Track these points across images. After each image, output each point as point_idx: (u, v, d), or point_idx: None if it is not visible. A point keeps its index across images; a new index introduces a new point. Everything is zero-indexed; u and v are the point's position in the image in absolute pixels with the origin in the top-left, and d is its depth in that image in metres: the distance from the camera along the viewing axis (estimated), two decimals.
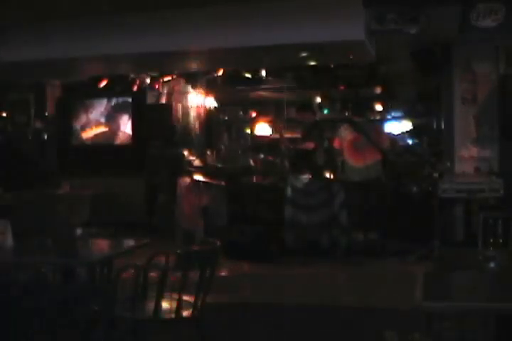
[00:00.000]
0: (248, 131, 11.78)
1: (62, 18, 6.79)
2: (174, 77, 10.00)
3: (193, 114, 10.79)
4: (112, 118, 10.31)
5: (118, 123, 10.30)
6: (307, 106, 10.01)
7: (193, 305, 3.80)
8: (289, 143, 10.36)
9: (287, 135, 11.45)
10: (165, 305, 3.87)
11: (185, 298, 3.75)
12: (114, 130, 10.33)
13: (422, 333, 3.13)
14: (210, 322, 3.97)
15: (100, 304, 4.03)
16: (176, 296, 3.76)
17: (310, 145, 9.02)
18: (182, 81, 10.35)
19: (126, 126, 10.27)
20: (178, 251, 3.99)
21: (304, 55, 7.18)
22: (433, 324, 2.93)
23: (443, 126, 9.03)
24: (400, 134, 10.34)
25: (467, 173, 7.73)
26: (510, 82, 7.68)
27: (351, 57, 7.37)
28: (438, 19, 6.43)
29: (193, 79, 10.33)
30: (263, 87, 10.33)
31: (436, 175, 7.79)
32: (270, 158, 9.72)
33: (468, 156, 7.91)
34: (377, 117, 10.56)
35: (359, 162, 8.22)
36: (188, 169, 9.30)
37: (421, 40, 7.36)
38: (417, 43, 7.63)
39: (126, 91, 9.98)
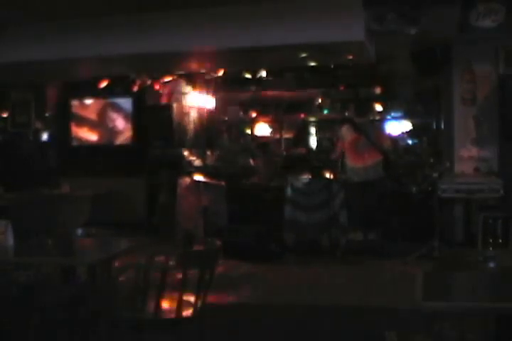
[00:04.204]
0: (248, 131, 11.79)
1: (62, 18, 6.79)
2: (174, 77, 10.00)
3: (193, 114, 10.80)
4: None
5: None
6: (296, 106, 10.01)
7: (193, 305, 3.80)
8: (279, 147, 10.42)
9: (286, 135, 11.48)
10: (165, 305, 3.87)
11: (185, 298, 3.75)
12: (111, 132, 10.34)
13: (422, 333, 3.14)
14: (210, 322, 3.97)
15: (100, 304, 4.04)
16: (176, 296, 3.76)
17: (301, 150, 9.05)
18: (182, 81, 10.35)
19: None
20: (178, 251, 3.99)
21: (304, 55, 7.19)
22: (433, 324, 2.93)
23: (443, 126, 9.04)
24: (400, 134, 10.34)
25: (467, 173, 7.73)
26: (510, 82, 7.69)
27: (351, 57, 7.37)
28: (438, 19, 6.43)
29: (193, 80, 10.33)
30: (263, 87, 10.33)
31: (436, 175, 7.80)
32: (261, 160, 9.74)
33: (468, 156, 7.92)
34: (377, 117, 10.57)
35: (359, 162, 8.22)
36: (188, 169, 9.31)
37: (421, 40, 7.36)
38: (417, 43, 7.63)
39: (127, 91, 9.98)
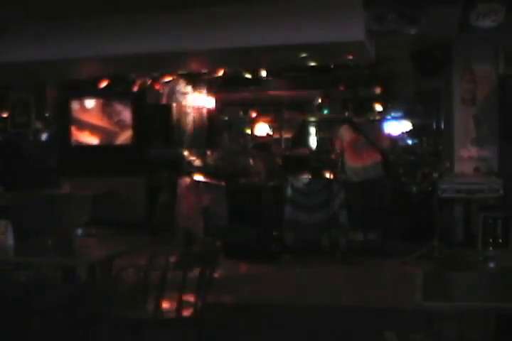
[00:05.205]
0: (248, 131, 11.79)
1: (62, 18, 6.79)
2: (174, 77, 10.00)
3: (193, 114, 10.80)
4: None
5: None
6: (297, 105, 10.01)
7: (193, 305, 3.80)
8: (282, 148, 10.44)
9: (286, 135, 11.48)
10: (165, 305, 3.87)
11: (185, 298, 3.75)
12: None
13: (422, 333, 3.13)
14: (210, 322, 3.97)
15: (100, 304, 4.04)
16: (176, 296, 3.76)
17: (304, 150, 9.06)
18: (182, 81, 10.35)
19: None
20: (178, 251, 3.99)
21: (304, 55, 7.18)
22: (433, 324, 2.93)
23: (443, 126, 9.04)
24: (399, 134, 10.34)
25: (467, 173, 7.74)
26: (509, 82, 7.70)
27: (351, 57, 7.37)
28: (438, 19, 6.43)
29: (193, 80, 10.34)
30: (263, 87, 10.33)
31: (436, 175, 7.80)
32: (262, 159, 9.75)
33: (468, 156, 7.92)
34: (377, 117, 10.57)
35: (358, 162, 8.22)
36: (188, 169, 9.31)
37: (421, 40, 7.36)
38: (417, 43, 7.63)
39: (127, 91, 9.98)
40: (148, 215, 9.57)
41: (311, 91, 10.76)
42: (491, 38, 7.01)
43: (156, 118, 10.05)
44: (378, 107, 10.60)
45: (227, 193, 8.59)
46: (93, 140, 10.44)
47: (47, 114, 10.56)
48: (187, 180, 8.86)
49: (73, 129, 10.46)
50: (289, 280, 6.76)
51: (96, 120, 10.41)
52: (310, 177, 8.43)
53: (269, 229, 7.95)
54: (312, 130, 11.46)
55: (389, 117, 10.46)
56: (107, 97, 10.25)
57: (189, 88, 10.57)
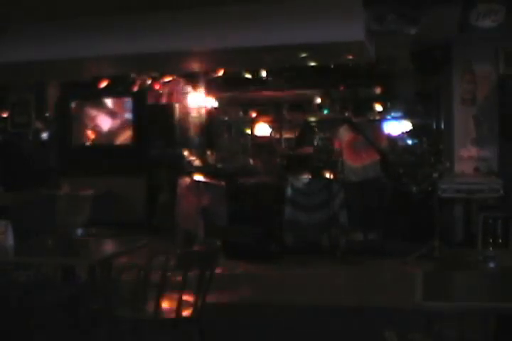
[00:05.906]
0: (248, 131, 11.79)
1: (62, 18, 6.78)
2: (174, 77, 10.00)
3: (193, 114, 10.79)
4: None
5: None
6: (298, 106, 10.01)
7: (193, 305, 3.80)
8: (283, 147, 10.44)
9: (286, 135, 11.48)
10: (165, 305, 3.87)
11: (185, 298, 3.75)
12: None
13: (422, 333, 3.13)
14: (210, 322, 3.97)
15: (100, 304, 4.04)
16: (176, 296, 3.76)
17: (308, 150, 9.05)
18: (182, 81, 10.35)
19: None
20: (178, 251, 3.99)
21: (304, 55, 7.18)
22: (433, 324, 2.93)
23: (443, 126, 9.04)
24: (399, 134, 10.34)
25: (467, 173, 7.74)
26: (509, 82, 7.70)
27: (351, 57, 7.37)
28: (438, 19, 6.43)
29: (193, 80, 10.33)
30: (263, 87, 10.33)
31: (436, 175, 7.80)
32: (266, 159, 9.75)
33: (468, 156, 7.92)
34: (377, 117, 10.56)
35: (357, 162, 8.22)
36: (188, 169, 9.31)
37: (421, 41, 7.36)
38: (417, 43, 7.63)
39: (127, 91, 9.97)
40: (148, 215, 9.57)
41: (311, 91, 10.75)
42: (491, 38, 7.02)
43: (156, 118, 10.05)
44: (378, 107, 10.59)
45: (227, 193, 8.59)
46: (93, 139, 10.45)
47: (47, 114, 10.56)
48: (187, 180, 8.85)
49: (73, 129, 10.47)
50: (289, 280, 6.76)
51: (96, 120, 10.42)
52: (310, 177, 8.43)
53: (269, 229, 7.95)
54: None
55: (389, 117, 10.46)
56: (107, 97, 10.26)
57: (189, 88, 10.56)
